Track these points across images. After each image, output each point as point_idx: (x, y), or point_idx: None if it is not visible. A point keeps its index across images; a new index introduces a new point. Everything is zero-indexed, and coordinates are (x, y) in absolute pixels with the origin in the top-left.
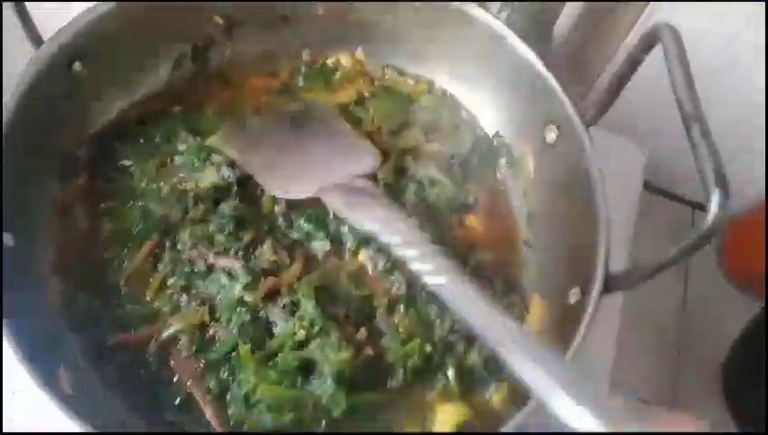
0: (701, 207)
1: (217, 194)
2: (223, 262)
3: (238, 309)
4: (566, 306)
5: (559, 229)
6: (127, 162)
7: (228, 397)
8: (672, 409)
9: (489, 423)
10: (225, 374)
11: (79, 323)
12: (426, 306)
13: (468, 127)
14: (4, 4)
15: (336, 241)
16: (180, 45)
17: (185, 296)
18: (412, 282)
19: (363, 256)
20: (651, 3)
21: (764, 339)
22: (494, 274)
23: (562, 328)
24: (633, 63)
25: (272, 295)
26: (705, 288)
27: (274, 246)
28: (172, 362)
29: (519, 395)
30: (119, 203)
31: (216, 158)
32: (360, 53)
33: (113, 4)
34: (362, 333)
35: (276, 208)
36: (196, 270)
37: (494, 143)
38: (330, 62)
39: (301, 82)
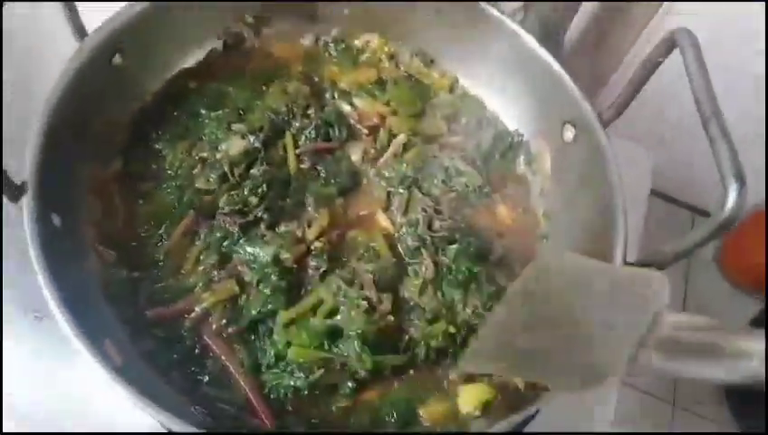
0: (701, 213)
1: (247, 159)
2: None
3: (270, 271)
4: None
5: (576, 223)
6: (159, 146)
7: (261, 363)
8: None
9: (514, 403)
10: (255, 340)
11: (119, 298)
12: (450, 290)
13: (490, 124)
14: (51, 4)
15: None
16: (212, 41)
17: (216, 272)
18: (438, 263)
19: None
20: (665, 3)
21: None
22: (519, 263)
23: None
24: (650, 67)
25: (302, 259)
26: (705, 288)
27: (303, 203)
28: (205, 336)
29: None
30: (154, 185)
31: (237, 126)
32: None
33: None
34: (387, 301)
35: (302, 166)
36: (229, 241)
37: (514, 140)
38: (358, 42)
39: (326, 55)
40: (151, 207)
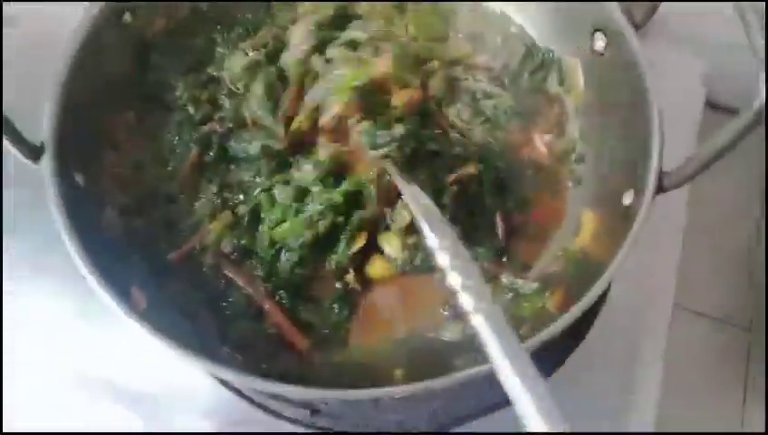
0: None
1: (250, 73)
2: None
3: (266, 160)
4: (620, 213)
5: (612, 137)
6: (171, 81)
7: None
8: None
9: (548, 325)
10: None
11: (141, 246)
12: None
13: (518, 40)
14: None
15: None
16: None
17: (220, 200)
18: None
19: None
20: None
21: None
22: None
23: (617, 235)
24: None
25: (297, 148)
26: None
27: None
28: (225, 270)
29: (572, 299)
30: (162, 129)
31: (242, 44)
32: None
33: None
34: None
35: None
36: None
37: (545, 57)
38: None
39: None
40: (162, 146)
